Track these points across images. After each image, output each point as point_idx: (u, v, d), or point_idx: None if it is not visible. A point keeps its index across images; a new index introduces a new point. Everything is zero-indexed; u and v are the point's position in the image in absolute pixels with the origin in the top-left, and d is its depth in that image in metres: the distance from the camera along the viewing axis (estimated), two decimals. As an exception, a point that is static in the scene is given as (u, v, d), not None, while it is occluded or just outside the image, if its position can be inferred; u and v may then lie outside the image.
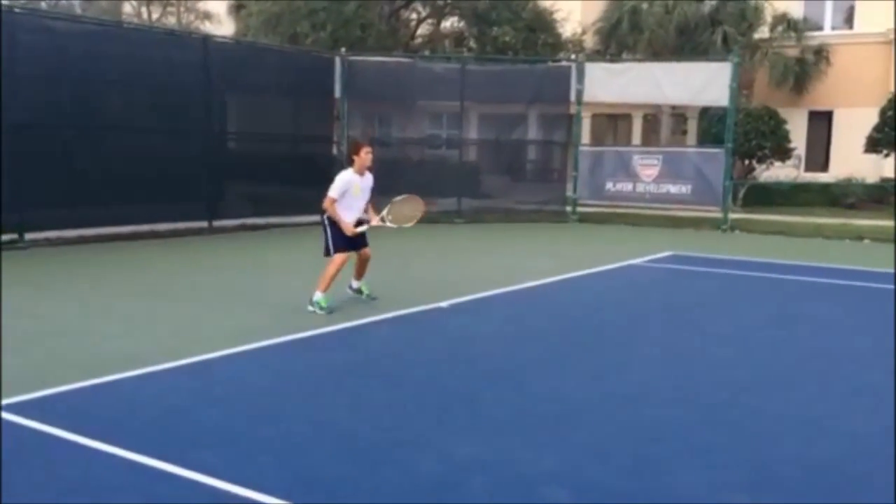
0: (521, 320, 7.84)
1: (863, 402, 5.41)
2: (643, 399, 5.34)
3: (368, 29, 22.68)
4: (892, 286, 10.16)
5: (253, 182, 15.20)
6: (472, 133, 20.06)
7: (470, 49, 24.20)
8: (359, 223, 8.00)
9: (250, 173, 15.19)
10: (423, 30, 26.34)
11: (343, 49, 17.91)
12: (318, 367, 5.95)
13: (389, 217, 8.13)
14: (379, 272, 9.90)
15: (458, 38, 25.72)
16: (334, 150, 17.32)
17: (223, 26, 31.73)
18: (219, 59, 14.60)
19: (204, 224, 14.14)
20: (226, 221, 14.55)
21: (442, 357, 6.35)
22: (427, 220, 17.38)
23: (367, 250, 8.17)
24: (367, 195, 8.05)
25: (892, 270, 11.27)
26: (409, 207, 8.36)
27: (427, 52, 23.98)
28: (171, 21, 37.18)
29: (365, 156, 7.87)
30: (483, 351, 6.56)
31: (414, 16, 26.02)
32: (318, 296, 7.71)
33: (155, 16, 38.06)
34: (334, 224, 7.83)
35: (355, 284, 8.37)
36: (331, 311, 7.59)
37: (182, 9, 37.81)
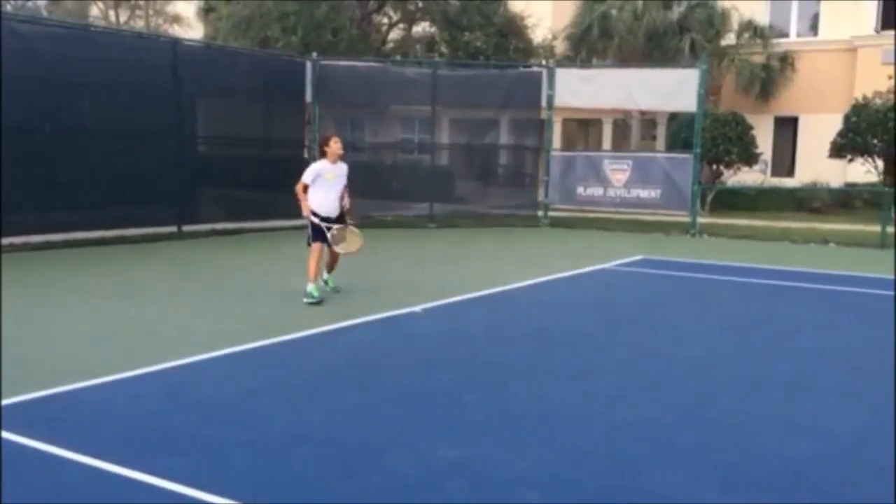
0: (496, 324, 7.86)
1: (832, 402, 5.49)
2: (619, 400, 5.39)
3: (340, 33, 22.65)
4: (857, 289, 10.36)
5: (224, 186, 15.07)
6: (444, 138, 20.09)
7: (441, 54, 24.27)
8: (331, 221, 8.64)
9: (221, 177, 15.05)
10: (395, 34, 26.36)
11: (314, 53, 17.85)
12: (293, 373, 5.92)
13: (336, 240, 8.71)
14: (353, 276, 9.89)
15: (430, 43, 25.76)
16: (306, 154, 17.24)
17: (192, 30, 31.50)
18: (188, 62, 14.48)
19: (174, 229, 14.00)
20: (197, 226, 14.40)
21: (417, 361, 6.35)
22: (401, 224, 17.51)
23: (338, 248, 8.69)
24: (341, 181, 8.74)
25: (857, 273, 11.49)
26: (349, 237, 8.89)
27: (398, 57, 23.99)
28: (139, 24, 36.80)
29: (334, 145, 8.63)
30: (458, 354, 6.57)
31: (385, 20, 26.03)
32: (308, 287, 8.27)
33: (123, 19, 37.67)
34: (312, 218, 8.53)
35: (324, 275, 8.92)
36: (316, 300, 8.21)
37: (150, 12, 37.45)
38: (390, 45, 26.02)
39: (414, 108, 19.46)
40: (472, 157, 19.40)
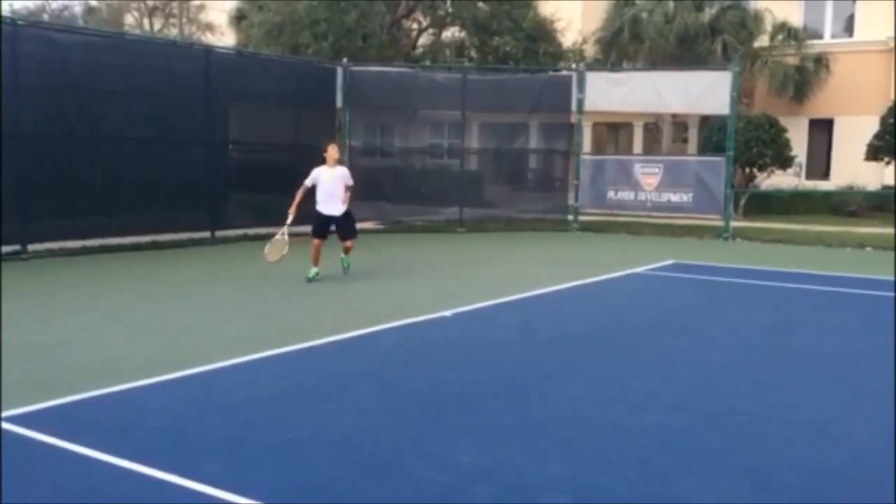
0: (525, 329, 7.84)
1: (864, 408, 5.40)
2: (647, 406, 5.35)
3: (370, 39, 22.78)
4: (892, 293, 10.17)
5: (255, 192, 15.21)
6: (474, 142, 20.13)
7: (471, 59, 24.31)
8: (334, 218, 10.02)
9: (252, 183, 15.19)
10: (425, 39, 26.44)
11: (344, 59, 17.97)
12: (323, 377, 5.96)
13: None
14: (383, 281, 9.93)
15: (460, 48, 25.82)
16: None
17: (225, 37, 31.85)
18: (220, 69, 14.66)
19: (206, 234, 14.16)
20: (228, 231, 14.57)
21: (445, 366, 6.36)
22: (430, 229, 17.56)
23: (347, 242, 10.14)
24: (339, 181, 9.95)
25: (892, 278, 11.29)
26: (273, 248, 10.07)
27: (428, 62, 24.05)
28: (173, 32, 37.32)
29: (331, 150, 10.04)
30: (487, 359, 6.56)
31: (415, 26, 26.12)
32: (310, 271, 9.95)
33: (157, 27, 38.23)
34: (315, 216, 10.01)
35: (342, 258, 10.31)
36: (310, 280, 9.82)
37: (184, 20, 37.96)
38: (420, 50, 26.10)
39: (443, 112, 19.52)
40: (501, 161, 19.38)
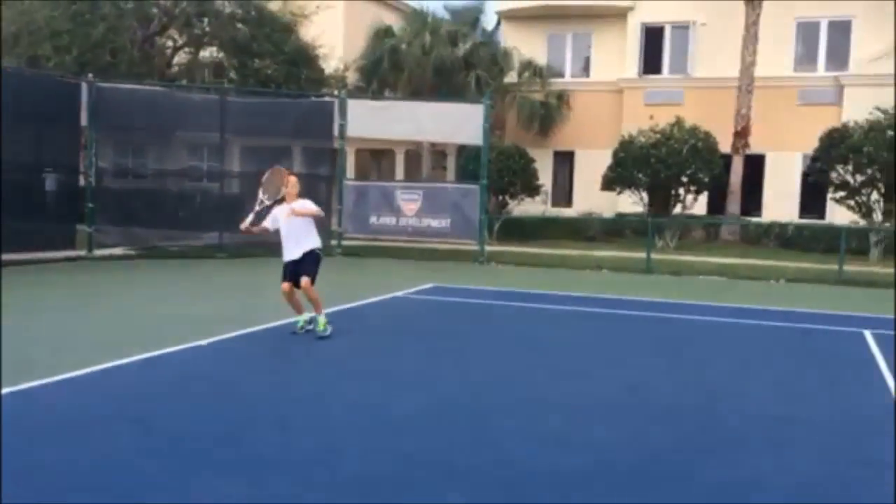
0: (287, 356, 7.75)
1: (606, 416, 5.91)
2: (408, 424, 5.48)
3: (120, 54, 21.55)
4: (626, 311, 11.23)
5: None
6: (235, 165, 19.63)
7: (231, 80, 23.73)
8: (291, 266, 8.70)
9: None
10: (181, 58, 25.44)
11: (90, 74, 16.85)
12: (65, 416, 5.50)
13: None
14: (132, 310, 9.37)
15: (218, 69, 25.14)
16: (82, 181, 16.19)
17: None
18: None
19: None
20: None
21: (203, 398, 6.12)
22: (188, 255, 16.88)
23: (303, 281, 8.51)
24: (297, 220, 8.54)
25: (625, 297, 12.48)
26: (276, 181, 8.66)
27: (185, 82, 23.18)
28: None
29: (292, 182, 8.57)
30: (247, 389, 6.40)
31: (170, 43, 25.07)
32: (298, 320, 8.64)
33: None
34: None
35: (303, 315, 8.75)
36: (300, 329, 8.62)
37: None
38: (176, 68, 25.09)
39: (202, 134, 18.86)
40: (263, 185, 19.00)
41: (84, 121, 15.95)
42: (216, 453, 4.82)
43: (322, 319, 8.44)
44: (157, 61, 24.16)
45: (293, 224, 8.46)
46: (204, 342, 7.94)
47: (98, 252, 15.90)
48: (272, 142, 19.05)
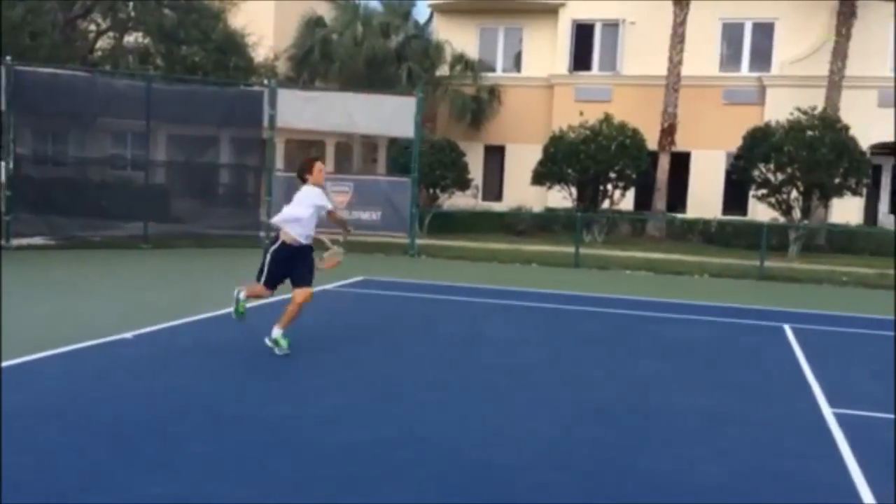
0: (214, 348, 7.60)
1: (539, 413, 5.97)
2: (344, 420, 5.44)
3: (40, 37, 20.75)
4: (554, 305, 11.37)
5: None
6: (161, 154, 19.17)
7: (157, 67, 23.12)
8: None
9: None
10: (104, 43, 24.66)
11: (8, 57, 16.19)
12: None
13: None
14: (56, 302, 9.06)
15: (144, 55, 24.44)
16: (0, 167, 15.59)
17: None
18: None
19: None
20: None
21: (130, 391, 5.96)
22: (111, 245, 16.44)
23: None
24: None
25: (554, 291, 12.64)
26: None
27: (108, 67, 22.47)
28: None
29: (319, 167, 7.59)
30: (175, 382, 6.26)
31: (93, 27, 24.27)
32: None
33: None
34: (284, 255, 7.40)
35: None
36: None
37: None
38: (99, 53, 24.31)
39: (126, 122, 18.36)
40: (190, 175, 18.65)
41: (2, 105, 15.34)
42: (141, 448, 4.70)
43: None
44: (80, 45, 23.36)
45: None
46: (129, 335, 7.72)
47: (15, 242, 15.34)
48: (200, 131, 18.66)
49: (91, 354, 7.02)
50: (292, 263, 7.30)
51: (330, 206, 7.62)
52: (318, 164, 7.61)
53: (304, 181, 7.54)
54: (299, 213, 7.30)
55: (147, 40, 24.23)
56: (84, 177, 17.46)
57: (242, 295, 7.46)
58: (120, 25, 23.91)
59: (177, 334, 8.11)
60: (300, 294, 7.26)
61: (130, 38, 24.71)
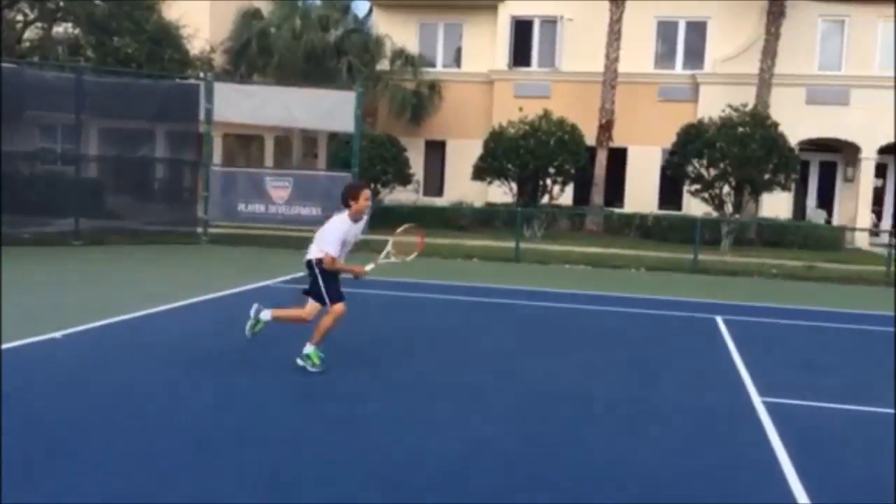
0: (145, 347, 7.44)
1: (477, 402, 6.01)
2: (282, 414, 5.39)
3: (-37, 27, 20.02)
4: (496, 300, 11.44)
5: None
6: (93, 148, 18.67)
7: (88, 58, 22.48)
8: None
9: None
10: (32, 33, 23.87)
11: (-71, 47, 15.58)
12: None
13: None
14: (-21, 302, 8.75)
15: (74, 46, 23.74)
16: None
17: None
18: None
19: None
20: None
21: (59, 392, 5.80)
22: (41, 241, 15.94)
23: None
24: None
25: (495, 285, 12.72)
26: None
27: (37, 59, 21.78)
28: None
29: (365, 195, 7.06)
30: (106, 382, 6.12)
31: (20, 17, 23.48)
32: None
33: None
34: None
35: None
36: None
37: None
38: (27, 44, 23.53)
39: (56, 115, 17.85)
40: (124, 169, 18.23)
41: (-79, 97, 14.76)
42: (69, 449, 4.58)
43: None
44: (6, 36, 22.57)
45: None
46: (58, 334, 7.52)
47: (-62, 239, 14.78)
48: (133, 124, 18.24)
49: (20, 354, 6.80)
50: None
51: (350, 245, 7.32)
52: (364, 192, 7.04)
53: (347, 207, 7.00)
54: (332, 250, 6.95)
55: (77, 31, 23.54)
56: (11, 171, 16.88)
57: (268, 316, 7.13)
58: (48, 15, 23.16)
59: (111, 332, 7.92)
60: (339, 307, 6.89)
61: (60, 29, 23.98)
